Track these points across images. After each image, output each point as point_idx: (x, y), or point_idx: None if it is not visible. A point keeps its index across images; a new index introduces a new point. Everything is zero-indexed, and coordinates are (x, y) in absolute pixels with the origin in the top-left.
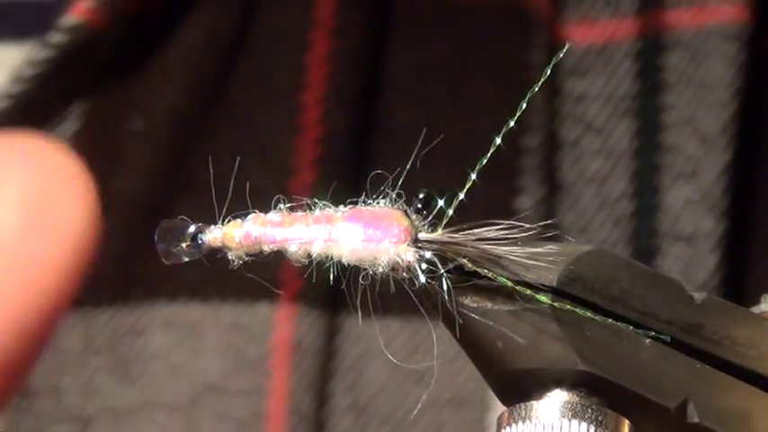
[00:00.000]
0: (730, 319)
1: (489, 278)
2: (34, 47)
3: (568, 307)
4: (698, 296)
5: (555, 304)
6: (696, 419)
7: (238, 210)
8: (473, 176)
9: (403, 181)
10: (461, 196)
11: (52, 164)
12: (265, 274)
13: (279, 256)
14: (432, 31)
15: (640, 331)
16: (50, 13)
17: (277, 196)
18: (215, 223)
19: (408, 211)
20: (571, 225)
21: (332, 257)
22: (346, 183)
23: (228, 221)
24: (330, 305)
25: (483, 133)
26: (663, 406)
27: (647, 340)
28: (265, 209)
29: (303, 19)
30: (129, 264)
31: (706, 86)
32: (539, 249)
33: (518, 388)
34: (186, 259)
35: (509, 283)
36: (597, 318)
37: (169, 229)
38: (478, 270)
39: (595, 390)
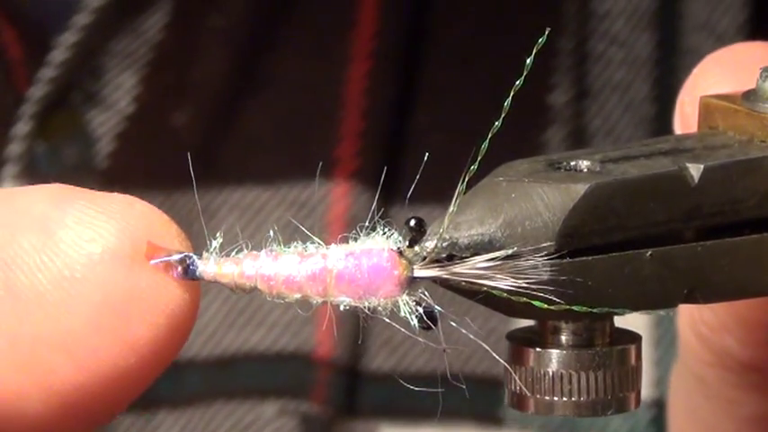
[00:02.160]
0: (728, 181)
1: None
2: None
3: (565, 306)
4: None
5: (552, 308)
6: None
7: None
8: (462, 188)
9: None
10: (452, 209)
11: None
12: (322, 152)
13: (336, 136)
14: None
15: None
16: None
17: (268, 235)
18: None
19: (402, 247)
20: (597, 129)
21: (329, 302)
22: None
23: (218, 246)
24: (382, 187)
25: (523, 36)
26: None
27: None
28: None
29: None
30: (204, 151)
31: None
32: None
33: (527, 337)
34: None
35: (504, 294)
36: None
37: (159, 250)
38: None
39: (601, 326)
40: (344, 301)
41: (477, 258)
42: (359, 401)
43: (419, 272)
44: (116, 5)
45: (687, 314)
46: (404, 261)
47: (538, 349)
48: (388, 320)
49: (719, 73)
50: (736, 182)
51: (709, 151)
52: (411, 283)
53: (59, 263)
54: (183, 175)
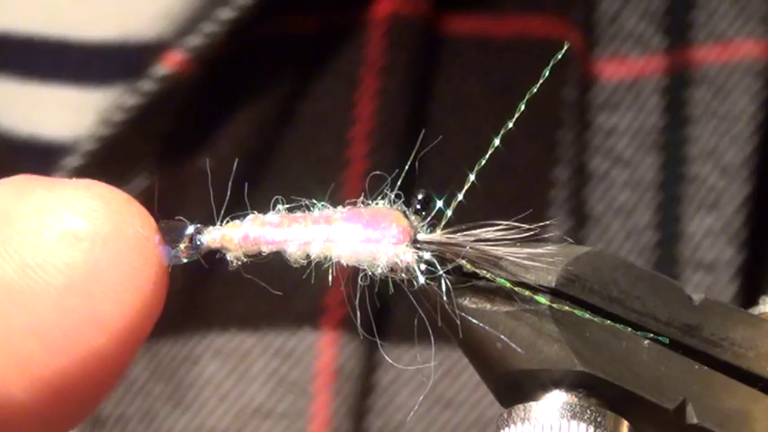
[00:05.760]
0: (729, 321)
1: (488, 279)
2: (124, 93)
3: (567, 308)
4: (696, 297)
5: (554, 305)
6: (695, 420)
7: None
8: (472, 177)
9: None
10: (460, 197)
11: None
12: (310, 301)
13: (323, 284)
14: (474, 70)
15: (639, 333)
16: (131, 60)
17: (275, 197)
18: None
19: (407, 211)
20: None
21: (331, 258)
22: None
23: (227, 222)
24: (369, 332)
25: (518, 167)
26: (662, 407)
27: (646, 341)
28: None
29: (355, 59)
30: (188, 297)
31: (729, 120)
32: (537, 250)
33: (517, 389)
34: (185, 260)
35: (508, 284)
36: (596, 319)
37: (168, 230)
38: (477, 271)
39: (594, 390)
40: (346, 248)
41: (480, 231)
42: None
43: (422, 236)
44: (99, 161)
45: None
46: (407, 221)
47: (532, 403)
48: None
49: None
50: (735, 325)
51: None
52: (414, 243)
53: (22, 252)
54: (165, 323)
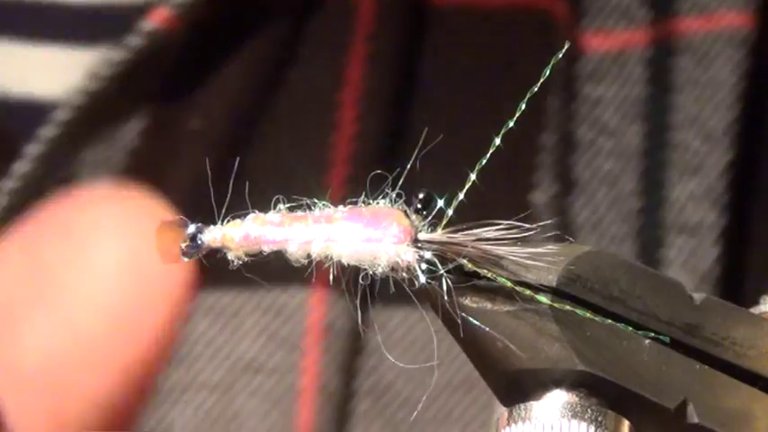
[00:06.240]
0: (730, 320)
1: (489, 278)
2: (112, 48)
3: (568, 307)
4: (697, 297)
5: (555, 305)
6: (696, 420)
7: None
8: (473, 176)
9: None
10: (461, 196)
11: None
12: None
13: None
14: (462, 38)
15: (640, 332)
16: (121, 19)
17: (276, 196)
18: (214, 223)
19: (408, 211)
20: (585, 221)
21: (331, 257)
22: (378, 177)
23: (228, 222)
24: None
25: (506, 137)
26: (663, 406)
27: (647, 341)
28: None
29: (344, 26)
30: None
31: (712, 88)
32: (538, 249)
33: (517, 388)
34: (185, 260)
35: (509, 284)
36: (597, 318)
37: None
38: (478, 270)
39: (595, 390)
40: (347, 247)
41: (481, 230)
42: None
43: (423, 235)
44: (87, 116)
45: None
46: (408, 220)
47: (532, 402)
48: None
49: None
50: (736, 324)
51: None
52: (415, 243)
53: None
54: None
